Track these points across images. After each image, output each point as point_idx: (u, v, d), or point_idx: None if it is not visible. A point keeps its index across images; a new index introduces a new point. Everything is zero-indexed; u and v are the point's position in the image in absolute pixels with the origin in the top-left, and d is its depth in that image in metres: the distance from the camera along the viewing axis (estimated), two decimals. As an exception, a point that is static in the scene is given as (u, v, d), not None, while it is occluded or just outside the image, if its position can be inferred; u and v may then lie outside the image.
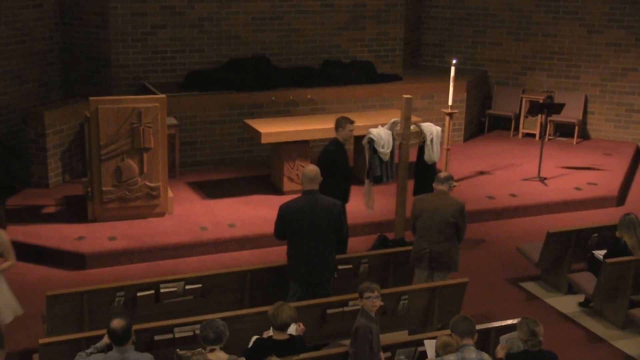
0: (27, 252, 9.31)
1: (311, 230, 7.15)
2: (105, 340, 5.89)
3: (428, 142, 9.54)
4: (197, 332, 5.87)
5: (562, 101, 13.32)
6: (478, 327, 6.00)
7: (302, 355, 6.10)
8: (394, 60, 14.10)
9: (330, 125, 11.14)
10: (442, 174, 7.96)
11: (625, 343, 7.77)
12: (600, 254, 8.45)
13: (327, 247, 7.25)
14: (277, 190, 11.06)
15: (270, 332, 6.20)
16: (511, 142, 13.99)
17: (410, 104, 9.12)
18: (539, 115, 13.42)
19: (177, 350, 6.13)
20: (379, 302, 6.23)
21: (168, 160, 10.26)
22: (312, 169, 7.24)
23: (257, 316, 6.68)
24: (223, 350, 5.75)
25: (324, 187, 7.50)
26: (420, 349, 6.51)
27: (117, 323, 5.66)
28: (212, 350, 5.65)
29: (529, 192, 11.38)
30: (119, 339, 5.65)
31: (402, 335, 7.35)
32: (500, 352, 6.02)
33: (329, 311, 7.03)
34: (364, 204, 9.45)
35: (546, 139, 13.55)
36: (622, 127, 14.08)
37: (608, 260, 7.92)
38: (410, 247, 8.38)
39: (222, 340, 5.69)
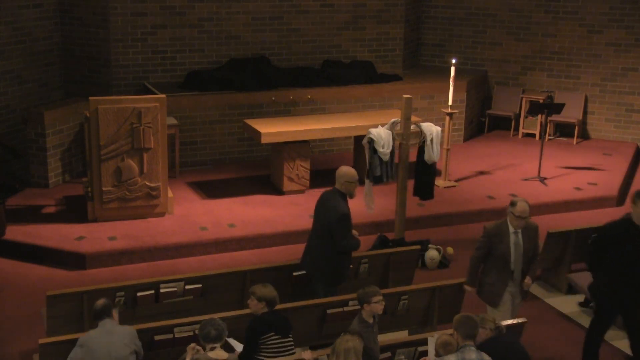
0: (27, 252, 9.33)
1: (315, 222, 7.46)
2: None
3: (428, 142, 9.54)
4: (197, 332, 5.90)
5: (562, 101, 13.33)
6: (478, 327, 6.00)
7: (303, 355, 6.11)
8: (394, 60, 14.10)
9: (330, 125, 11.20)
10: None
11: (625, 343, 7.76)
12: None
13: (318, 244, 7.36)
14: (277, 190, 11.06)
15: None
16: (511, 142, 13.99)
17: (410, 104, 9.12)
18: (539, 115, 13.42)
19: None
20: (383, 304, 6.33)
21: (168, 160, 10.26)
22: (339, 168, 7.43)
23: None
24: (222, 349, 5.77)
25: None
26: (420, 348, 6.51)
27: (98, 301, 6.15)
28: (212, 349, 5.67)
29: (529, 192, 11.37)
30: (97, 314, 6.07)
31: (402, 335, 7.35)
32: None
33: (329, 311, 7.04)
34: (364, 204, 9.46)
35: (546, 139, 13.55)
36: (622, 127, 14.08)
37: (608, 260, 7.89)
38: (409, 248, 8.39)
39: (222, 338, 5.72)
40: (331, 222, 7.19)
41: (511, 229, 6.94)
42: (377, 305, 6.24)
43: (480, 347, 5.89)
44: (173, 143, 11.38)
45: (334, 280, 7.44)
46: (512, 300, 7.13)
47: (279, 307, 6.45)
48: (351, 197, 7.38)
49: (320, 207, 7.40)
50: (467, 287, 7.31)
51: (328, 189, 7.48)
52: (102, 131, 9.62)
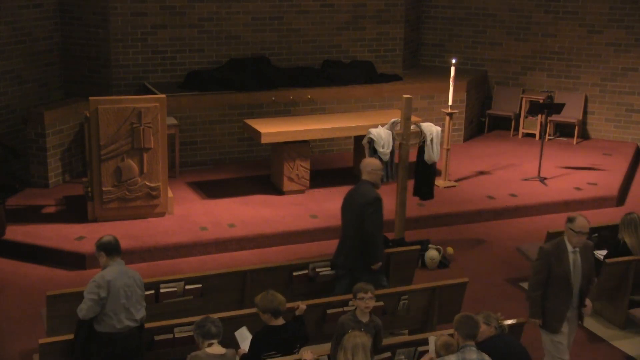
0: (27, 252, 9.33)
1: (344, 214, 7.59)
2: None
3: (428, 142, 9.55)
4: (194, 329, 5.93)
5: (562, 101, 13.33)
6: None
7: (304, 355, 6.09)
8: (394, 60, 14.10)
9: (330, 125, 11.19)
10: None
11: (625, 343, 7.77)
12: (600, 254, 8.44)
13: (346, 235, 7.51)
14: (277, 190, 11.06)
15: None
16: (511, 142, 13.99)
17: (410, 104, 9.11)
18: (539, 115, 13.42)
19: None
20: (372, 303, 6.26)
21: (168, 160, 10.26)
22: (362, 161, 7.67)
23: (257, 316, 6.66)
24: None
25: None
26: (420, 348, 6.51)
27: (109, 237, 6.16)
28: (210, 345, 5.71)
29: (529, 192, 11.38)
30: (114, 249, 6.11)
31: (402, 335, 7.35)
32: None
33: (329, 311, 7.03)
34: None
35: (546, 139, 13.55)
36: (622, 127, 14.08)
37: (608, 260, 7.91)
38: (409, 248, 8.39)
39: (220, 335, 5.78)
40: (363, 205, 7.30)
41: (569, 248, 6.49)
42: (360, 302, 6.20)
43: (483, 345, 5.89)
44: (173, 143, 11.38)
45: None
46: (568, 325, 6.70)
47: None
48: (377, 187, 7.53)
49: (349, 199, 7.55)
50: (534, 321, 6.68)
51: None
52: (102, 131, 9.62)
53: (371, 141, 9.30)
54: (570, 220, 6.47)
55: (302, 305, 6.53)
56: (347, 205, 7.57)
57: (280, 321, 6.12)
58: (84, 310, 6.01)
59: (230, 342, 6.28)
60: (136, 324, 6.19)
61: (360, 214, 7.32)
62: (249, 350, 6.13)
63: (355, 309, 6.30)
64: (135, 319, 6.16)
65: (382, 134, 9.29)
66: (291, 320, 6.31)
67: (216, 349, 5.70)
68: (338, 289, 7.50)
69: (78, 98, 11.71)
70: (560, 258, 6.46)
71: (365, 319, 6.24)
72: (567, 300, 6.55)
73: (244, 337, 6.41)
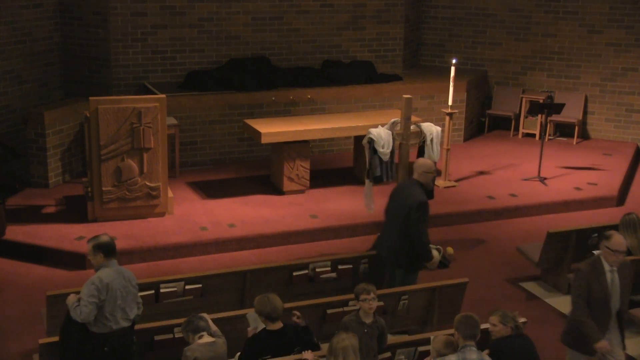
0: (27, 252, 9.33)
1: (391, 210, 7.65)
2: None
3: (428, 142, 9.56)
4: (184, 330, 6.09)
5: (562, 101, 13.33)
6: (478, 327, 5.99)
7: (304, 355, 6.08)
8: (394, 60, 14.10)
9: (330, 125, 11.19)
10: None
11: (625, 343, 7.75)
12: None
13: (394, 232, 7.52)
14: (277, 190, 11.06)
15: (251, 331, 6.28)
16: (511, 142, 13.99)
17: (410, 104, 9.12)
18: (539, 115, 13.43)
19: None
20: (375, 304, 6.27)
21: (168, 160, 10.26)
22: (417, 160, 7.75)
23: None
24: None
25: None
26: (420, 348, 6.51)
27: (107, 237, 6.09)
28: (201, 337, 5.92)
29: (529, 192, 11.38)
30: (113, 250, 6.07)
31: (402, 335, 7.35)
32: None
33: (329, 311, 7.04)
34: (364, 204, 9.46)
35: (546, 139, 13.56)
36: (622, 127, 14.08)
37: (608, 260, 7.90)
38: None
39: (208, 327, 6.00)
40: (410, 207, 7.31)
41: (607, 267, 6.14)
42: (364, 304, 6.21)
43: (497, 344, 5.89)
44: (173, 143, 11.38)
45: (413, 267, 7.59)
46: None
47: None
48: (428, 187, 7.57)
49: (397, 196, 7.57)
50: (601, 346, 6.18)
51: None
52: (102, 131, 9.62)
53: (371, 141, 9.30)
54: (606, 237, 6.11)
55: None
56: (394, 200, 7.61)
57: (277, 325, 6.07)
58: (84, 313, 5.93)
59: (231, 341, 6.29)
60: (129, 323, 6.20)
61: (406, 215, 7.34)
62: (245, 352, 6.12)
63: (359, 309, 6.29)
64: (129, 319, 6.18)
65: (382, 134, 9.30)
66: (290, 324, 6.24)
67: (206, 339, 5.92)
68: (400, 281, 7.57)
69: (78, 98, 11.71)
70: (598, 279, 6.13)
71: (368, 319, 6.24)
72: (605, 322, 6.23)
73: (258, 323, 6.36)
